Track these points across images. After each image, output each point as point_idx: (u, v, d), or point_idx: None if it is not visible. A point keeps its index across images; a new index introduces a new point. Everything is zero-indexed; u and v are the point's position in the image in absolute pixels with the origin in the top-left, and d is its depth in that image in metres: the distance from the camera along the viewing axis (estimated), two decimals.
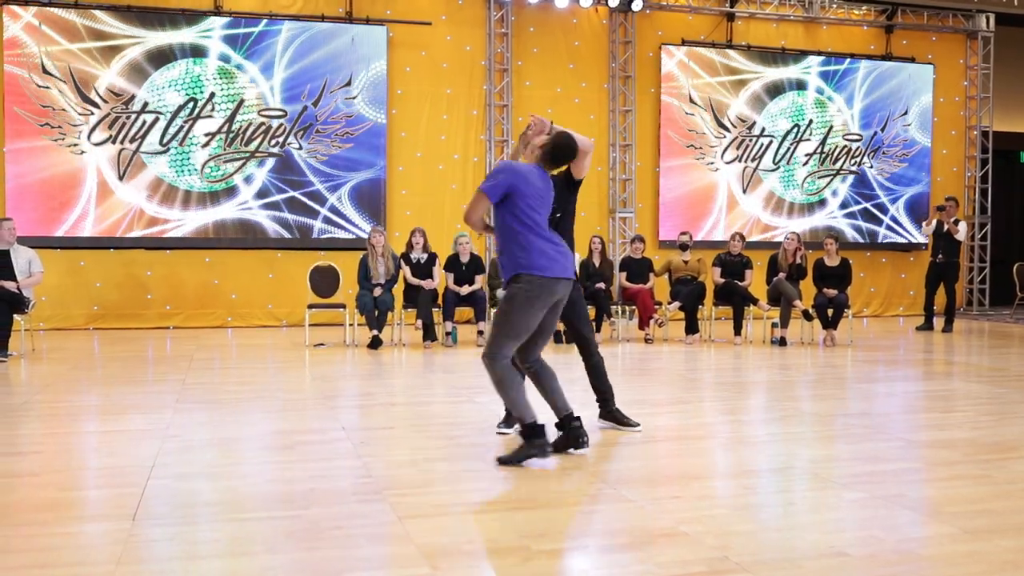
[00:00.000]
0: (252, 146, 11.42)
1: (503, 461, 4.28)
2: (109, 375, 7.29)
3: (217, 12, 11.31)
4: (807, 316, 9.79)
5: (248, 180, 11.41)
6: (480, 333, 9.64)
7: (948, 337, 10.98)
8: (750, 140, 13.35)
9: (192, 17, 11.19)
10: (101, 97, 10.95)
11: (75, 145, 10.88)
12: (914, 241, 14.06)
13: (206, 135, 11.26)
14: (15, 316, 8.32)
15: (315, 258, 10.86)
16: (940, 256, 11.64)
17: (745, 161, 13.34)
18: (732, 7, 13.27)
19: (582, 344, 5.10)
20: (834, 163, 13.77)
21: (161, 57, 11.10)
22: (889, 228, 14.01)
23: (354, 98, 11.70)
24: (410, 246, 9.73)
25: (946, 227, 11.60)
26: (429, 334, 9.38)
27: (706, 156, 13.18)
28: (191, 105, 11.20)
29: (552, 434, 4.45)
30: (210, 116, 11.27)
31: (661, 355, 8.98)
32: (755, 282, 10.32)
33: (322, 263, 10.22)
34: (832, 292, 9.90)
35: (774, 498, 3.85)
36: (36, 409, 5.79)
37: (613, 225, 12.87)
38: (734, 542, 3.17)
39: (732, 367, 8.12)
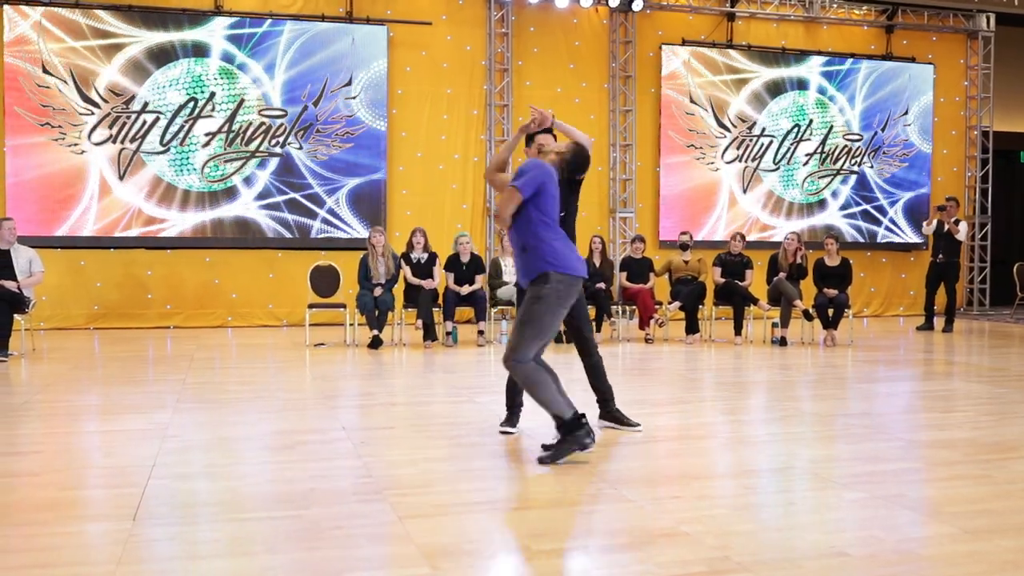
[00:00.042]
0: (252, 146, 11.42)
1: (544, 461, 4.27)
2: (109, 375, 7.29)
3: (218, 12, 11.31)
4: (807, 316, 9.79)
5: (247, 181, 11.41)
6: (481, 333, 9.65)
7: (948, 337, 10.98)
8: (750, 140, 13.35)
9: (194, 17, 11.20)
10: (101, 96, 10.95)
11: (75, 145, 10.89)
12: (913, 242, 14.06)
13: (206, 135, 11.26)
14: (15, 316, 8.32)
15: (315, 258, 10.86)
16: (940, 256, 11.64)
17: (746, 161, 13.34)
18: (733, 7, 13.27)
19: (582, 344, 5.10)
20: (834, 163, 13.77)
21: (163, 56, 11.10)
22: (888, 230, 14.01)
23: (354, 98, 11.70)
24: (410, 246, 9.73)
25: (946, 227, 11.60)
26: (429, 334, 9.38)
27: (706, 156, 13.18)
28: (191, 105, 11.20)
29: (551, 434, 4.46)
30: (210, 116, 11.27)
31: (661, 355, 8.98)
32: (755, 282, 10.32)
33: (322, 263, 10.22)
34: (832, 292, 9.90)
35: (774, 498, 3.85)
36: (36, 409, 5.79)
37: (613, 225, 12.87)
38: (734, 542, 3.17)
39: (732, 367, 8.12)
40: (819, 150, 13.68)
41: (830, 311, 9.90)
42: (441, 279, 9.65)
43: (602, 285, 10.02)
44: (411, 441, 4.85)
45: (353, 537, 3.23)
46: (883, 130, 13.95)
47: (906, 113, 14.03)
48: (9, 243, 8.47)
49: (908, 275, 14.12)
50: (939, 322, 11.74)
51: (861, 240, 13.85)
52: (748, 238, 12.24)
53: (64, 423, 5.42)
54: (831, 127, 13.73)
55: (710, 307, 10.53)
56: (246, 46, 11.34)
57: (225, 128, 11.32)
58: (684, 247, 10.57)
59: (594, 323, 9.20)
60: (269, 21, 11.42)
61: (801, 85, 13.55)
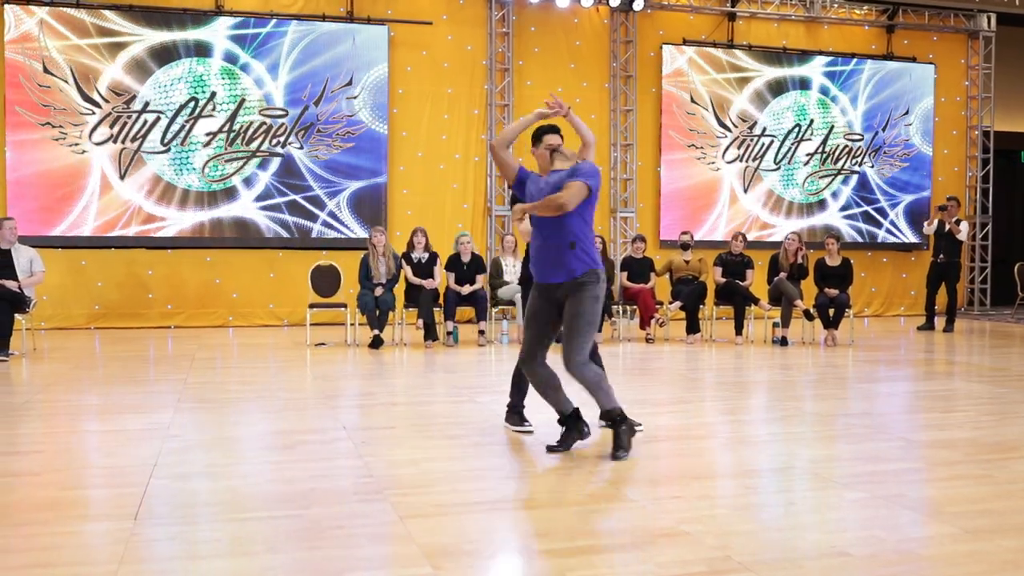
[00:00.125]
0: (253, 146, 11.42)
1: (619, 457, 4.36)
2: (110, 374, 7.30)
3: (219, 11, 11.31)
4: (808, 316, 9.79)
5: (248, 181, 11.41)
6: (481, 333, 9.64)
7: (949, 337, 10.97)
8: (751, 140, 13.35)
9: (197, 17, 11.20)
10: (103, 96, 10.95)
11: (76, 144, 10.89)
12: (914, 242, 14.06)
13: (207, 135, 11.26)
14: (16, 315, 8.32)
15: (316, 257, 10.87)
16: (941, 256, 11.64)
17: (746, 160, 13.34)
18: (733, 7, 13.27)
19: None
20: (835, 163, 13.77)
21: (165, 55, 11.10)
22: (888, 232, 14.01)
23: (355, 97, 11.70)
24: (411, 246, 9.73)
25: (947, 227, 11.60)
26: (430, 334, 9.38)
27: (707, 155, 13.18)
28: (192, 104, 11.21)
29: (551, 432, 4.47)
30: (211, 115, 11.28)
31: (662, 355, 8.98)
32: (756, 282, 10.32)
33: (323, 263, 10.22)
34: (833, 292, 9.90)
35: (775, 498, 3.85)
36: (37, 408, 5.80)
37: (614, 225, 12.86)
38: (735, 542, 3.17)
39: (733, 367, 8.12)
40: (820, 150, 13.68)
41: (831, 311, 9.90)
42: (442, 279, 9.65)
43: None
44: (412, 441, 4.85)
45: (354, 537, 3.23)
46: (884, 130, 13.95)
47: (907, 113, 14.03)
48: (10, 243, 8.48)
49: (909, 275, 14.11)
50: (940, 322, 11.74)
51: (861, 240, 13.85)
52: (748, 237, 12.24)
53: (65, 423, 5.42)
54: (832, 127, 13.73)
55: (711, 307, 10.53)
56: (250, 46, 11.35)
57: (226, 128, 11.32)
58: (685, 247, 10.57)
59: None
60: (274, 21, 11.42)
61: (804, 85, 13.55)
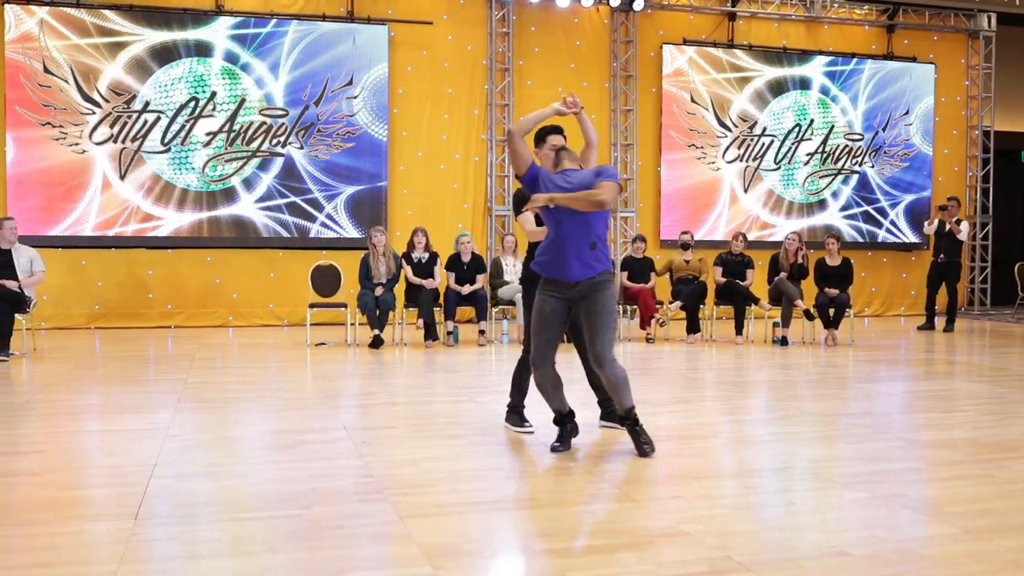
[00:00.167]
0: (253, 146, 11.42)
1: (649, 453, 4.42)
2: (110, 374, 7.30)
3: (219, 11, 11.30)
4: (808, 316, 9.79)
5: (247, 182, 11.41)
6: (482, 332, 9.64)
7: (949, 337, 10.97)
8: (751, 139, 13.35)
9: (198, 17, 11.20)
10: (103, 96, 10.95)
11: (76, 144, 10.89)
12: (914, 241, 14.06)
13: (207, 134, 11.26)
14: (16, 315, 8.32)
15: (316, 257, 10.87)
16: (942, 256, 11.64)
17: (747, 160, 13.33)
18: (734, 7, 13.27)
19: (584, 344, 5.08)
20: (835, 163, 13.76)
21: (165, 55, 11.10)
22: (888, 232, 14.01)
23: (355, 97, 11.70)
24: (411, 245, 9.73)
25: (948, 227, 11.60)
26: (430, 333, 9.38)
27: (707, 155, 13.18)
28: (192, 104, 11.21)
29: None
30: (211, 115, 11.27)
31: (662, 355, 8.98)
32: (756, 282, 10.32)
33: (323, 262, 10.22)
34: (833, 292, 9.90)
35: (775, 498, 3.84)
36: (37, 408, 5.80)
37: (614, 224, 12.86)
38: (735, 542, 3.17)
39: (733, 367, 8.12)
40: (820, 150, 13.67)
41: (831, 311, 9.90)
42: (442, 279, 9.65)
43: None
44: (412, 441, 4.85)
45: (354, 536, 3.23)
46: (884, 130, 13.95)
47: (907, 113, 14.02)
48: (10, 243, 8.48)
49: (909, 275, 14.11)
50: (940, 322, 11.74)
51: (861, 240, 13.85)
52: (748, 237, 12.24)
53: (65, 422, 5.42)
54: (832, 127, 13.73)
55: (711, 307, 10.53)
56: (250, 46, 11.35)
57: (226, 128, 11.32)
58: (685, 246, 10.57)
59: None
60: (274, 21, 11.42)
61: (804, 84, 13.54)
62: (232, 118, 11.32)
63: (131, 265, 11.19)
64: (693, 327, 10.12)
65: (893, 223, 14.00)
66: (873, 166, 13.91)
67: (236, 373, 7.52)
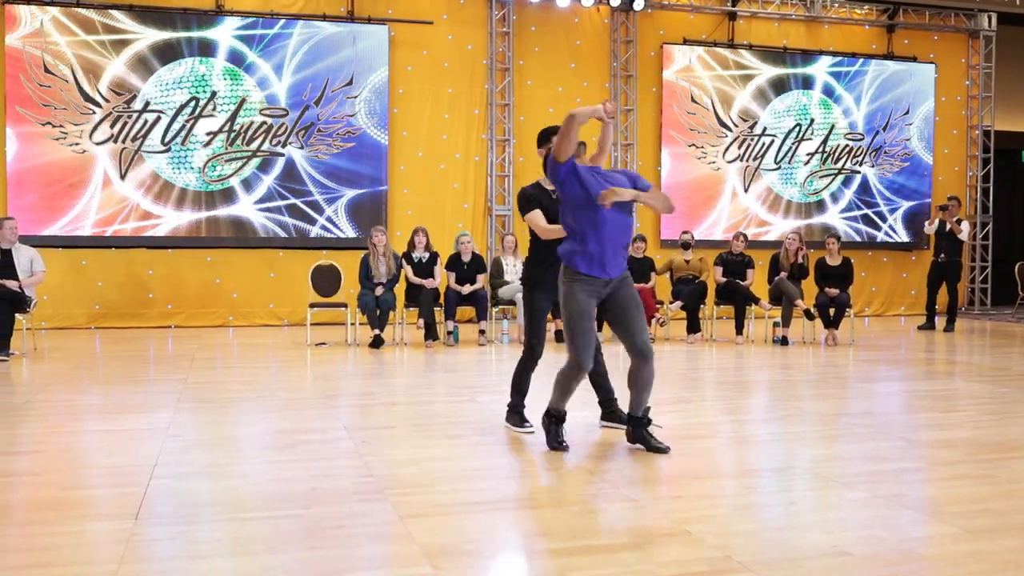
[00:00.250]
0: (253, 146, 11.42)
1: (667, 450, 4.49)
2: (110, 374, 7.30)
3: (219, 11, 11.30)
4: (809, 315, 9.79)
5: (247, 182, 11.40)
6: (482, 332, 9.64)
7: (950, 337, 10.97)
8: (752, 139, 13.34)
9: (202, 17, 11.19)
10: (103, 96, 10.95)
11: (77, 144, 10.89)
12: (914, 241, 14.06)
13: (208, 134, 11.26)
14: (17, 315, 8.33)
15: (316, 257, 10.87)
16: (942, 255, 11.63)
17: (747, 160, 13.33)
18: (734, 6, 13.26)
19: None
20: (835, 163, 13.76)
21: (168, 54, 11.09)
22: (887, 235, 14.00)
23: (356, 97, 11.70)
24: (412, 245, 9.72)
25: (948, 226, 11.59)
26: (431, 333, 9.38)
27: (708, 155, 13.17)
28: (193, 104, 11.20)
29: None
30: (211, 115, 11.27)
31: (663, 354, 8.97)
32: (756, 281, 10.32)
33: (323, 262, 10.22)
34: (834, 291, 9.90)
35: (776, 497, 3.84)
36: (37, 408, 5.79)
37: None
38: (736, 542, 3.17)
39: (734, 366, 8.12)
40: (820, 149, 13.67)
41: (831, 311, 9.90)
42: (442, 278, 9.65)
43: None
44: (412, 440, 4.85)
45: (354, 536, 3.23)
46: (884, 130, 13.94)
47: (907, 113, 14.01)
48: (11, 242, 8.48)
49: (909, 275, 14.11)
50: (940, 322, 11.74)
51: (859, 240, 13.84)
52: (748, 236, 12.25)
53: (65, 422, 5.42)
54: (832, 127, 13.72)
55: (711, 306, 10.53)
56: (257, 47, 11.35)
57: (226, 128, 11.32)
58: (685, 246, 10.57)
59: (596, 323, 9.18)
60: (282, 22, 11.42)
61: (806, 84, 13.54)
62: (232, 118, 11.32)
63: (131, 265, 11.19)
64: (693, 327, 10.12)
65: (892, 227, 14.00)
66: (873, 166, 13.91)
67: (236, 373, 7.52)
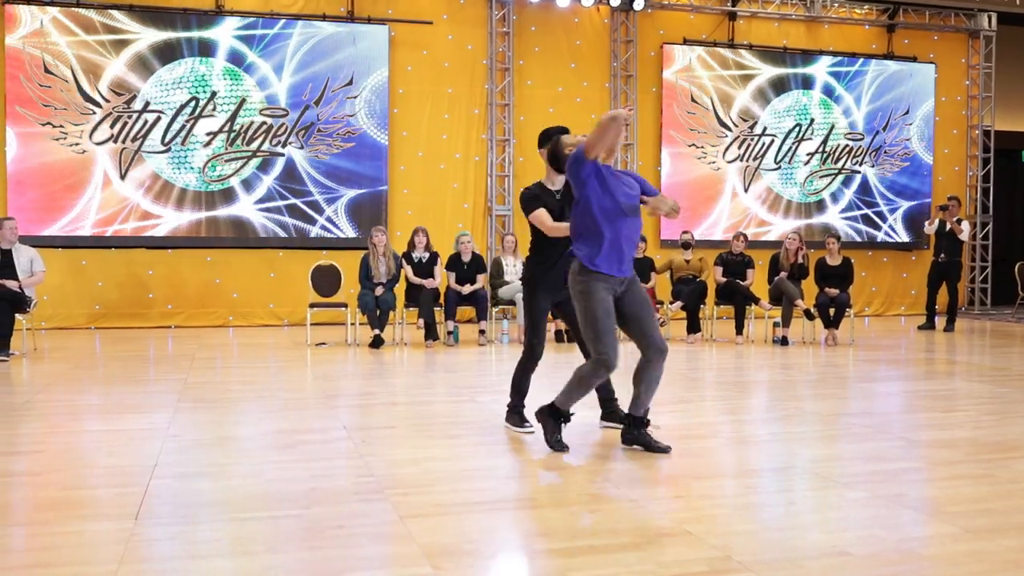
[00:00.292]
0: (253, 146, 11.42)
1: (668, 450, 4.51)
2: (110, 374, 7.30)
3: (219, 12, 11.30)
4: (809, 315, 9.79)
5: (246, 183, 11.40)
6: (482, 332, 9.64)
7: (950, 336, 10.97)
8: (752, 139, 13.34)
9: (202, 18, 11.19)
10: (103, 96, 10.96)
11: (76, 144, 10.89)
12: (914, 240, 14.06)
13: (208, 134, 11.26)
14: (17, 315, 8.33)
15: (316, 257, 10.87)
16: (942, 255, 11.63)
17: (747, 160, 13.33)
18: (734, 6, 13.26)
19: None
20: (835, 163, 13.76)
21: (168, 54, 11.09)
22: (887, 235, 14.00)
23: (356, 97, 11.70)
24: (412, 245, 9.73)
25: (948, 226, 11.59)
26: (431, 333, 9.38)
27: (708, 155, 13.17)
28: (193, 104, 11.20)
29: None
30: (211, 115, 11.27)
31: None
32: (757, 281, 10.32)
33: (323, 262, 10.22)
34: (834, 291, 9.90)
35: (776, 497, 3.84)
36: (37, 408, 5.79)
37: None
38: (736, 542, 3.17)
39: (734, 366, 8.12)
40: (820, 149, 13.67)
41: (831, 310, 9.90)
42: (442, 278, 9.65)
43: None
44: (412, 440, 4.85)
45: (354, 536, 3.23)
46: (884, 130, 13.94)
47: (907, 113, 14.01)
48: (11, 243, 8.48)
49: (909, 274, 14.11)
50: (940, 321, 11.74)
51: (859, 240, 13.84)
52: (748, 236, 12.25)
53: (65, 422, 5.42)
54: (833, 126, 13.72)
55: (711, 306, 10.53)
56: (258, 47, 11.35)
57: (226, 128, 11.32)
58: (685, 246, 10.57)
59: None
60: (282, 22, 11.42)
61: (806, 84, 13.54)
62: (232, 118, 11.32)
63: (131, 265, 11.19)
64: (693, 327, 10.12)
65: (891, 227, 14.00)
66: (873, 166, 13.91)
67: (236, 373, 7.52)
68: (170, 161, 11.17)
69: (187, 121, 11.20)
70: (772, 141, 13.44)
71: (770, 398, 6.46)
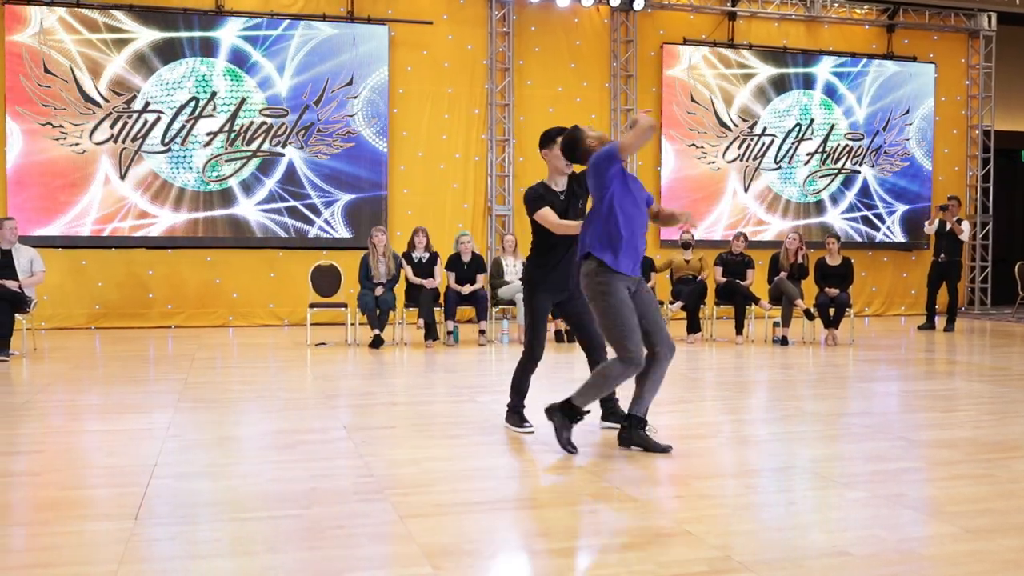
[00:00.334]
0: (253, 146, 11.42)
1: (669, 449, 4.51)
2: (110, 374, 7.30)
3: (219, 12, 11.30)
4: (809, 315, 9.79)
5: (245, 184, 11.40)
6: (482, 332, 9.64)
7: (950, 336, 10.97)
8: (752, 139, 13.34)
9: (202, 18, 11.19)
10: (103, 96, 10.95)
11: (76, 144, 10.89)
12: (914, 240, 14.07)
13: (208, 134, 11.26)
14: (17, 315, 8.32)
15: (316, 257, 10.86)
16: (942, 255, 11.63)
17: (747, 160, 13.33)
18: (734, 6, 13.26)
19: (588, 343, 5.06)
20: (835, 163, 13.76)
21: (169, 53, 11.09)
22: (886, 235, 14.00)
23: (355, 97, 11.70)
24: (412, 245, 9.73)
25: (948, 226, 11.59)
26: (431, 333, 9.37)
27: (707, 155, 13.17)
28: (193, 104, 11.20)
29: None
30: (211, 115, 11.27)
31: None
32: (757, 281, 10.32)
33: (323, 262, 10.22)
34: (834, 291, 9.90)
35: (776, 497, 3.84)
36: (37, 408, 5.79)
37: None
38: (736, 541, 3.17)
39: (734, 366, 8.12)
40: (820, 149, 13.67)
41: (831, 310, 9.90)
42: (442, 278, 9.65)
43: None
44: (412, 440, 4.85)
45: (354, 536, 3.23)
46: (884, 129, 13.94)
47: (907, 113, 14.01)
48: (10, 243, 8.48)
49: (909, 274, 14.11)
50: (941, 321, 11.73)
51: (858, 240, 13.84)
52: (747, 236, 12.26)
53: (65, 422, 5.42)
54: (833, 127, 13.72)
55: (711, 306, 10.53)
56: (259, 47, 11.35)
57: (226, 128, 11.32)
58: (685, 246, 10.57)
59: None
60: (285, 23, 11.42)
61: (807, 84, 13.54)
62: (232, 118, 11.32)
63: (131, 265, 11.19)
64: (693, 327, 10.12)
65: (890, 229, 14.00)
66: (873, 166, 13.91)
67: (236, 373, 7.52)
68: (170, 161, 11.16)
69: (187, 121, 11.20)
70: (772, 141, 13.44)
71: (770, 398, 6.46)
